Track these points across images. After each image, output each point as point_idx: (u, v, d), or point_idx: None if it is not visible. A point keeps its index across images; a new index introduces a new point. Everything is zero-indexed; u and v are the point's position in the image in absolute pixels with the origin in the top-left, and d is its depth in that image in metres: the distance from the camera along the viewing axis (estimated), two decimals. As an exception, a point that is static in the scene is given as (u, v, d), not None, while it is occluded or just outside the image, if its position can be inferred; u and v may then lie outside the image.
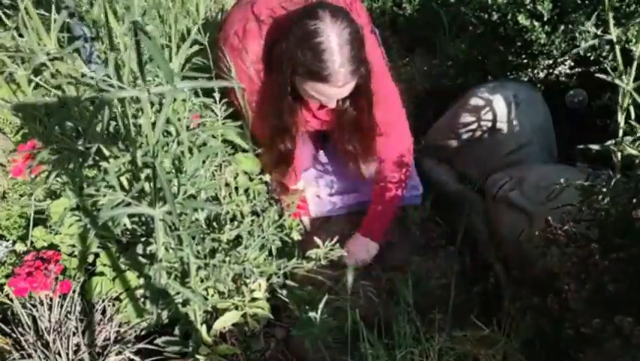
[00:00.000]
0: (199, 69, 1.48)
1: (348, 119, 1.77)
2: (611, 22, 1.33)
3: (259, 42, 1.66)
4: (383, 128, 1.82)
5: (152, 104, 1.15)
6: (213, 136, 1.47)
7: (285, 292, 1.66)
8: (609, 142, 1.43)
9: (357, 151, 1.87)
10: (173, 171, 1.15)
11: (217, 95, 1.53)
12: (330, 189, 2.17)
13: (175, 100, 1.21)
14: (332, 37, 1.46)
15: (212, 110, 1.55)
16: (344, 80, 1.51)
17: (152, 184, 0.93)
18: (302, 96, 1.67)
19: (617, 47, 1.35)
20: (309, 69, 1.50)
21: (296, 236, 1.69)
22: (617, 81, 1.33)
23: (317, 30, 1.46)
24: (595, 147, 1.43)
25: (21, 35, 1.02)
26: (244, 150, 1.79)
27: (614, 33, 1.34)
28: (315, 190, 2.13)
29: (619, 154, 1.39)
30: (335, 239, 1.66)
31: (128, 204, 0.96)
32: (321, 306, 1.44)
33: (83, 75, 0.90)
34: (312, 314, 1.45)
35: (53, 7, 0.98)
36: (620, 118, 1.37)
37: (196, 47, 1.31)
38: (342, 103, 1.72)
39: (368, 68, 1.60)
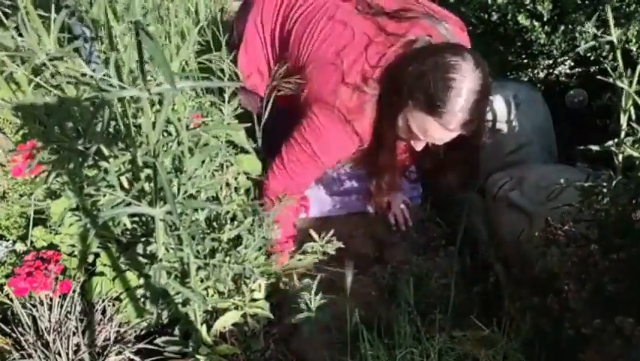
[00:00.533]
0: (206, 69, 1.49)
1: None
2: (612, 23, 1.33)
3: (369, 117, 1.62)
4: None
5: (153, 104, 1.15)
6: (215, 136, 1.47)
7: (282, 285, 1.66)
8: (609, 143, 1.43)
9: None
10: (174, 170, 1.15)
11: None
12: (331, 189, 2.17)
13: (175, 100, 1.21)
14: (467, 80, 1.41)
15: (220, 110, 1.55)
16: (455, 125, 1.46)
17: (152, 184, 0.93)
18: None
19: (619, 50, 1.35)
20: (429, 99, 1.45)
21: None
22: (619, 83, 1.33)
23: (457, 66, 1.42)
24: (595, 147, 1.42)
25: (21, 35, 1.02)
26: (246, 151, 1.79)
27: (614, 34, 1.34)
28: (317, 189, 2.13)
29: (620, 156, 1.38)
30: (331, 232, 1.67)
31: (129, 204, 0.96)
32: (325, 312, 1.44)
33: (83, 75, 0.90)
34: (316, 320, 1.44)
35: (53, 7, 0.98)
36: (623, 119, 1.37)
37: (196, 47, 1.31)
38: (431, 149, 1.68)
39: (478, 127, 1.56)
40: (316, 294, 1.39)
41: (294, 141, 1.70)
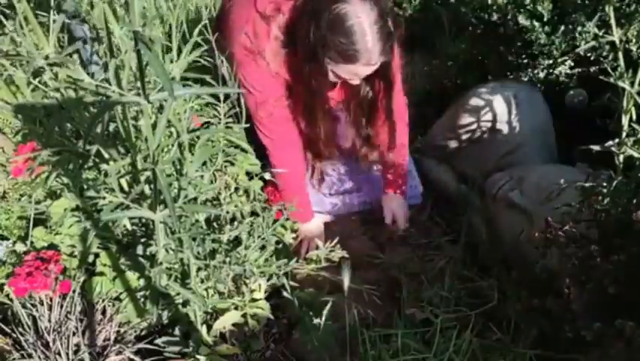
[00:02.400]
0: (202, 68, 1.49)
1: (365, 98, 1.81)
2: (614, 23, 1.32)
3: (271, 40, 1.67)
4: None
5: (152, 104, 1.15)
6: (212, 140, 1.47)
7: (285, 293, 1.66)
8: (609, 143, 1.43)
9: (368, 133, 1.92)
10: (174, 173, 1.15)
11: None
12: (331, 188, 2.16)
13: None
14: (362, 18, 1.48)
15: (216, 109, 1.55)
16: (377, 58, 1.54)
17: (152, 186, 0.93)
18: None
19: (620, 50, 1.35)
20: (342, 53, 1.53)
21: (288, 239, 1.70)
22: (620, 83, 1.33)
23: (347, 13, 1.48)
24: (595, 147, 1.42)
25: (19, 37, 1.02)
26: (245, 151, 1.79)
27: (616, 34, 1.34)
28: (316, 190, 2.13)
29: (621, 156, 1.38)
30: (335, 240, 1.66)
31: (128, 207, 0.96)
32: (325, 312, 1.44)
33: (82, 81, 0.90)
34: (316, 321, 1.45)
35: (52, 10, 0.97)
36: (625, 120, 1.37)
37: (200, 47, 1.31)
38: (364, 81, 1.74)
39: (394, 44, 1.61)
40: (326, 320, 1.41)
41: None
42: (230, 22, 1.74)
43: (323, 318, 1.44)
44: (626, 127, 1.38)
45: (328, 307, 1.44)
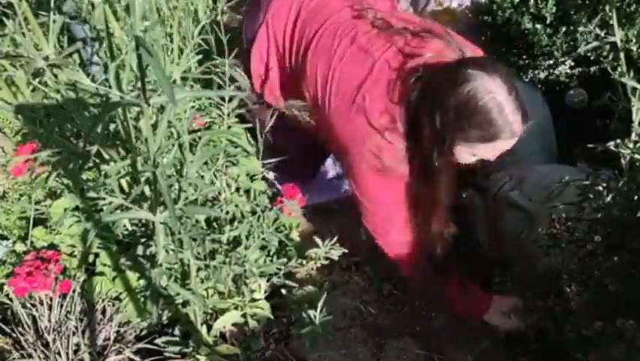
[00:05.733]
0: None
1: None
2: (616, 24, 1.32)
3: (397, 150, 1.50)
4: None
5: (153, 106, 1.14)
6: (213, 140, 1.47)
7: (284, 291, 1.66)
8: (611, 143, 1.42)
9: None
10: (174, 173, 1.15)
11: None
12: (330, 173, 2.21)
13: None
14: (496, 92, 1.34)
15: (220, 109, 1.55)
16: (520, 128, 1.39)
17: (152, 187, 0.93)
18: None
19: (621, 51, 1.35)
20: (482, 134, 1.37)
21: (295, 237, 1.69)
22: (630, 82, 1.32)
23: (476, 92, 1.34)
24: (599, 147, 1.42)
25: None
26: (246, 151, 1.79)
27: (618, 35, 1.33)
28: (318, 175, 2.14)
29: (628, 156, 1.37)
30: (334, 239, 1.66)
31: (128, 209, 0.96)
32: (320, 305, 1.44)
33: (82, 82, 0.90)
34: (311, 312, 1.45)
35: (52, 11, 0.97)
36: (635, 118, 1.35)
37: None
38: None
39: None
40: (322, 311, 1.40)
41: (358, 205, 1.64)
42: (341, 138, 1.59)
43: (320, 312, 1.44)
44: (636, 125, 1.37)
45: (323, 298, 1.43)
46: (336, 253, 1.64)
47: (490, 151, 1.43)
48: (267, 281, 1.60)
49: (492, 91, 1.33)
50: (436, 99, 1.40)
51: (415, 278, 1.72)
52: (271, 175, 1.75)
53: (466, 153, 1.44)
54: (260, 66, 1.82)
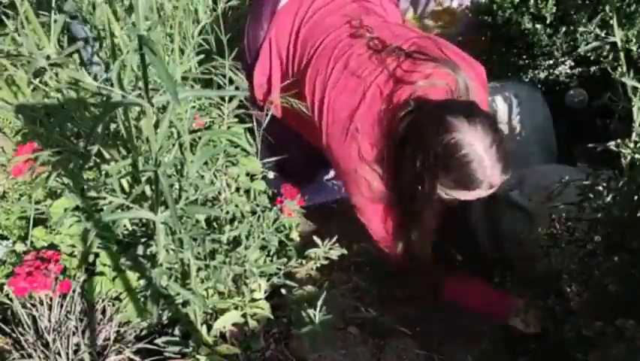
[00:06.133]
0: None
1: None
2: (616, 24, 1.32)
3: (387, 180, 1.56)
4: None
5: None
6: (213, 140, 1.47)
7: (284, 291, 1.66)
8: (611, 143, 1.42)
9: None
10: (175, 173, 1.14)
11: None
12: (328, 174, 2.23)
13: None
14: (476, 145, 1.35)
15: (220, 109, 1.55)
16: (499, 179, 1.40)
17: (153, 187, 0.93)
18: None
19: (621, 51, 1.35)
20: (460, 183, 1.40)
21: (295, 237, 1.69)
22: (630, 82, 1.32)
23: (458, 143, 1.36)
24: (599, 147, 1.42)
25: (20, 36, 1.02)
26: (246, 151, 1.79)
27: (618, 35, 1.33)
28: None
29: (628, 156, 1.37)
30: (334, 239, 1.66)
31: (129, 208, 0.95)
32: (319, 304, 1.44)
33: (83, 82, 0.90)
34: (311, 312, 1.45)
35: (53, 10, 0.97)
36: (635, 117, 1.35)
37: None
38: None
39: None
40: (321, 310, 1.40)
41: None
42: (337, 161, 1.64)
43: (320, 312, 1.44)
44: (637, 126, 1.37)
45: (323, 298, 1.43)
46: (335, 253, 1.64)
47: (468, 196, 1.45)
48: (267, 281, 1.60)
49: (472, 143, 1.35)
50: (419, 141, 1.43)
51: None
52: (271, 175, 1.75)
53: (445, 195, 1.46)
54: (262, 79, 1.85)
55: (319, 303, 1.42)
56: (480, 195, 1.44)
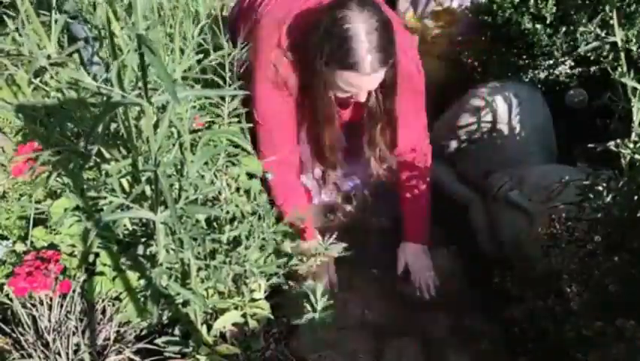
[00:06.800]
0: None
1: (374, 115, 1.78)
2: (616, 24, 1.32)
3: (290, 65, 1.68)
4: (404, 119, 1.83)
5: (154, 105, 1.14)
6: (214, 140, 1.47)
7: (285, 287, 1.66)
8: (611, 143, 1.42)
9: (379, 144, 1.87)
10: (174, 173, 1.14)
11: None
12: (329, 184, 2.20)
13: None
14: (359, 24, 1.48)
15: (219, 108, 1.55)
16: (372, 67, 1.51)
17: (153, 187, 0.93)
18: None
19: (621, 51, 1.35)
20: (337, 57, 1.52)
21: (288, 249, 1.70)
22: (630, 83, 1.32)
23: (344, 17, 1.49)
24: (599, 147, 1.42)
25: (21, 36, 1.02)
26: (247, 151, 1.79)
27: (618, 35, 1.33)
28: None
29: (628, 156, 1.37)
30: (334, 235, 1.66)
31: (129, 208, 0.96)
32: (318, 295, 1.44)
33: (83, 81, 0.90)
34: (310, 311, 1.45)
35: (53, 10, 0.97)
36: (635, 117, 1.36)
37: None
38: (369, 100, 1.72)
39: (396, 61, 1.60)
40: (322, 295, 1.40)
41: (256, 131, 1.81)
42: (254, 50, 1.74)
43: (320, 307, 1.44)
44: (636, 126, 1.37)
45: (321, 295, 1.43)
46: (335, 249, 1.64)
47: (346, 84, 1.58)
48: (267, 281, 1.60)
49: (356, 22, 1.48)
50: (318, 19, 1.57)
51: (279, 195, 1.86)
52: (269, 176, 1.77)
53: (332, 78, 1.59)
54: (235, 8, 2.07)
55: (319, 303, 1.42)
56: (360, 85, 1.58)
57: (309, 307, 1.44)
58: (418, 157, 1.92)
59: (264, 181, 1.80)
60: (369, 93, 1.68)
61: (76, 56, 1.43)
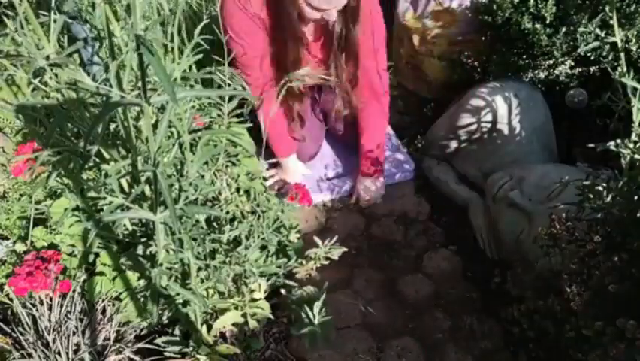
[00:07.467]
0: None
1: (341, 41, 1.85)
2: (616, 24, 1.32)
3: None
4: (367, 54, 1.91)
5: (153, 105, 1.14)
6: (213, 140, 1.47)
7: (284, 291, 1.66)
8: (611, 143, 1.42)
9: (351, 77, 1.96)
10: (174, 173, 1.14)
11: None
12: (327, 172, 2.28)
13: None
14: None
15: (219, 108, 1.55)
16: None
17: (152, 187, 0.93)
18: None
19: (621, 51, 1.34)
20: None
21: (294, 239, 1.70)
22: (630, 83, 1.32)
23: None
24: (599, 147, 1.42)
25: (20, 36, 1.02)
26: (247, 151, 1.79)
27: (618, 35, 1.33)
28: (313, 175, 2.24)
29: (628, 156, 1.37)
30: (334, 239, 1.66)
31: (129, 208, 0.95)
32: (319, 304, 1.44)
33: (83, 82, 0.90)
34: (311, 312, 1.45)
35: (53, 11, 0.97)
36: (635, 117, 1.36)
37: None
38: (336, 25, 1.80)
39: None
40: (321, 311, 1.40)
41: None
42: None
43: (320, 312, 1.44)
44: (637, 126, 1.37)
45: (323, 298, 1.43)
46: (336, 252, 1.64)
47: (310, 6, 1.64)
48: (267, 281, 1.60)
49: None
50: None
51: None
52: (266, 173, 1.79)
53: (298, 9, 1.67)
54: None
55: (319, 304, 1.42)
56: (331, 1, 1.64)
57: (306, 319, 1.44)
58: (376, 92, 2.02)
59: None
60: (337, 19, 1.77)
61: (76, 56, 1.43)
